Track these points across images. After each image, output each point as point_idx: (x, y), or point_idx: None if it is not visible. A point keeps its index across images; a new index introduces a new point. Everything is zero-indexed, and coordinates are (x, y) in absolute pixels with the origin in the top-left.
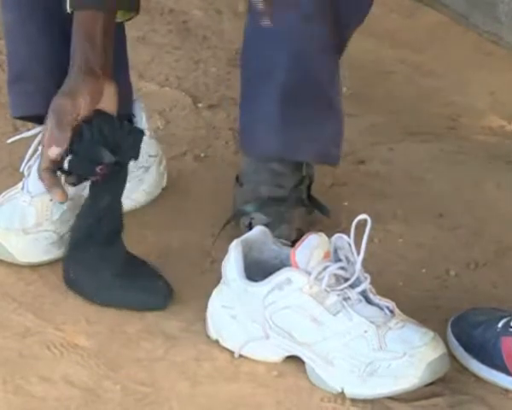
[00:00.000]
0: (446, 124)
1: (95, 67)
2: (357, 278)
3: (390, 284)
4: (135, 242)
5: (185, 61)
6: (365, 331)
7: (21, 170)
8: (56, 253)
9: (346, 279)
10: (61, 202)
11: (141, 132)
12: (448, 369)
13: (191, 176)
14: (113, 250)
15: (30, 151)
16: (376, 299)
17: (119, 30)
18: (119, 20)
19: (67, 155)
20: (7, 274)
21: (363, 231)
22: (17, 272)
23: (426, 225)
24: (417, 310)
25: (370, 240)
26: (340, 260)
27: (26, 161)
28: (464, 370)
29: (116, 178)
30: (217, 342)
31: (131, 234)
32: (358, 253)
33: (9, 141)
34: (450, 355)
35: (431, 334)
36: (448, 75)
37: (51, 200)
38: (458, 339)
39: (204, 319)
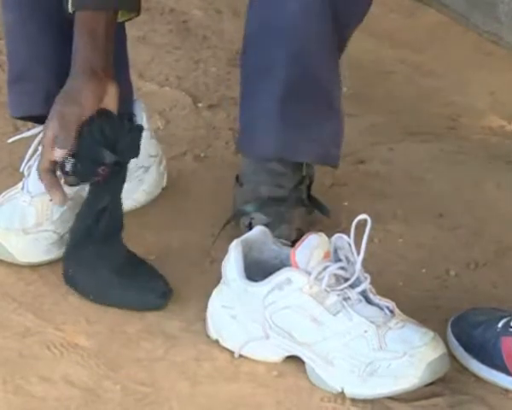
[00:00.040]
0: (446, 124)
1: (97, 67)
2: (357, 278)
3: (390, 284)
4: (135, 242)
5: (185, 60)
6: (365, 331)
7: (21, 170)
8: (56, 253)
9: (346, 279)
10: (61, 206)
11: (140, 129)
12: (448, 369)
13: (191, 176)
14: (112, 249)
15: (30, 151)
16: (376, 299)
17: (120, 29)
18: (119, 20)
19: (69, 157)
20: (7, 274)
21: (363, 231)
22: (17, 272)
23: (426, 225)
24: (417, 310)
25: (370, 240)
26: (340, 260)
27: (26, 161)
28: (464, 370)
29: (116, 178)
30: (217, 342)
31: (131, 234)
32: (358, 253)
33: (10, 141)
34: (450, 355)
35: (431, 334)
36: (448, 75)
37: (51, 200)
38: (458, 339)
39: (204, 319)
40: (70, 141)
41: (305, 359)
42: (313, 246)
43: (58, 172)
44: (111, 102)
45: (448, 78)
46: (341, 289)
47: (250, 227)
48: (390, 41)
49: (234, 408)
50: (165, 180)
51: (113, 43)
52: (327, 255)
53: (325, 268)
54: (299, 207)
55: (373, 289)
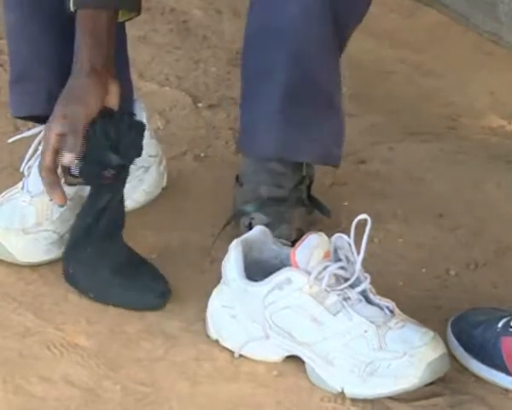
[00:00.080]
0: (446, 124)
1: (98, 66)
2: (357, 278)
3: (390, 284)
4: (135, 242)
5: (185, 60)
6: (365, 331)
7: (21, 170)
8: (56, 252)
9: (346, 279)
10: (61, 206)
11: (142, 125)
12: (448, 369)
13: (191, 176)
14: (112, 248)
15: (30, 151)
16: (376, 299)
17: (120, 29)
18: (120, 20)
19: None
20: (7, 274)
21: (363, 231)
22: (17, 272)
23: (426, 225)
24: (417, 310)
25: (370, 240)
26: (340, 259)
27: (26, 160)
28: (464, 370)
29: (117, 179)
30: (217, 342)
31: (131, 234)
32: (358, 253)
33: (10, 141)
34: (450, 355)
35: (431, 334)
36: (448, 75)
37: (51, 200)
38: (458, 339)
39: (204, 319)
40: (78, 144)
41: (305, 359)
42: (313, 246)
43: (59, 171)
44: (113, 100)
45: (448, 78)
46: (341, 289)
47: (250, 227)
48: (390, 41)
49: (234, 408)
50: (165, 180)
51: (114, 42)
52: (327, 255)
53: (325, 268)
54: (299, 207)
55: (373, 289)
